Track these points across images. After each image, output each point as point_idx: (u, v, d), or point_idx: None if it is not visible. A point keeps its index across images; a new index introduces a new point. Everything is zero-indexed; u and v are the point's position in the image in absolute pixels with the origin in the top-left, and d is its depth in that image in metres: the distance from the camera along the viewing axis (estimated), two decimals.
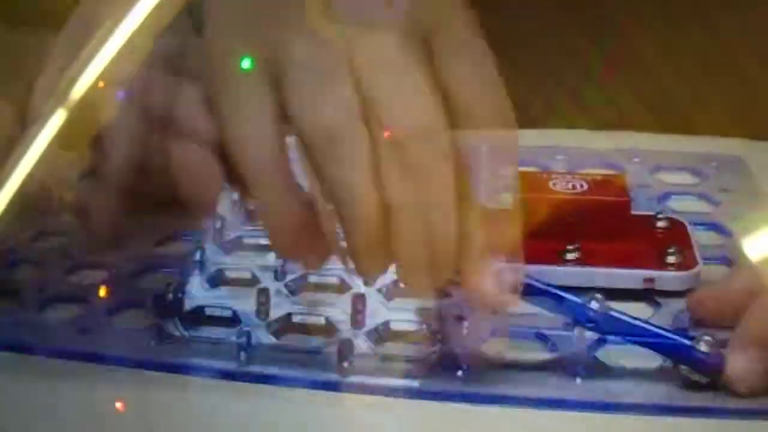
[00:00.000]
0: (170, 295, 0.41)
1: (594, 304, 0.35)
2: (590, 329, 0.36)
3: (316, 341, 0.39)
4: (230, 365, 0.38)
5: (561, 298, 0.36)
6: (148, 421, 0.36)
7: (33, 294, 0.44)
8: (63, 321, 0.42)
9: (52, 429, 0.36)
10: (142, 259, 0.46)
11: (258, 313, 0.40)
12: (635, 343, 0.36)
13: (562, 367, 0.36)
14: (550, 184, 0.44)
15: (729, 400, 0.35)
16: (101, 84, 0.42)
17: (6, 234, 0.47)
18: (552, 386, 0.36)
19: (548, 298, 0.36)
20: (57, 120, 0.45)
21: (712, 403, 0.35)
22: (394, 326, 0.39)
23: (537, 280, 0.36)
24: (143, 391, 0.38)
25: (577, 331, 0.36)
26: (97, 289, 0.44)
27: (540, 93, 0.61)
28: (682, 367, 0.35)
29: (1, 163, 0.40)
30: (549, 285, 0.36)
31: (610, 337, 0.37)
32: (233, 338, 0.38)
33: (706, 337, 0.35)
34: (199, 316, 0.41)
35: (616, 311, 0.36)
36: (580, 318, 0.36)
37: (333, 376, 0.37)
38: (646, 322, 0.36)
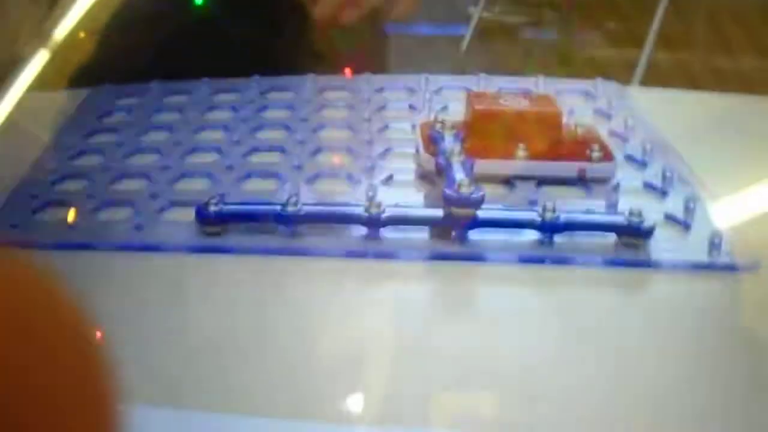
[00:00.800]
0: (212, 207, 0.47)
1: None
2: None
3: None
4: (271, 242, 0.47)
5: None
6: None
7: (86, 200, 0.50)
8: (118, 221, 0.49)
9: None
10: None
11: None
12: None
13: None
14: (501, 100, 0.54)
15: (658, 256, 0.45)
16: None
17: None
18: (530, 248, 0.47)
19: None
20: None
21: (649, 258, 0.45)
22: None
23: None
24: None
25: None
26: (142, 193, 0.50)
27: None
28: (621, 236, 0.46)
29: None
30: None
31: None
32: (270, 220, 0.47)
33: (635, 211, 0.46)
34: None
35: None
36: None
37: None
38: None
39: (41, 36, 0.50)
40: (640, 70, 1.97)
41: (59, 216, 0.49)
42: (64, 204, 0.50)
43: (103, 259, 0.46)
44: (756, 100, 0.64)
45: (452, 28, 2.77)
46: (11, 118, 0.51)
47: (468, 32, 2.57)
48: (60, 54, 0.54)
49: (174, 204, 0.50)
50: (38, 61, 0.51)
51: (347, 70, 0.68)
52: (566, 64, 2.03)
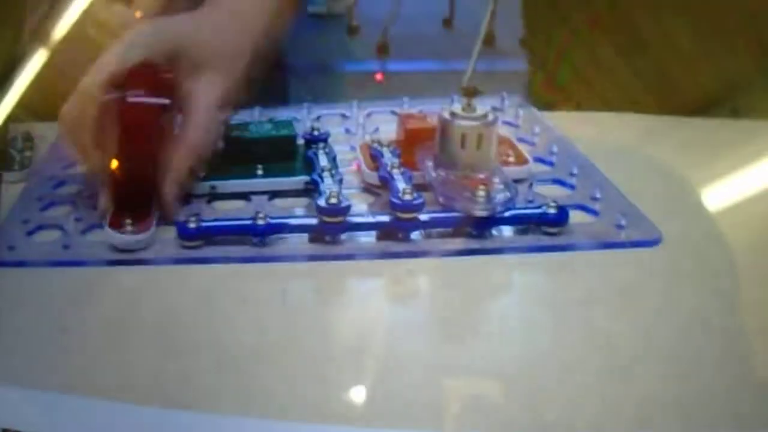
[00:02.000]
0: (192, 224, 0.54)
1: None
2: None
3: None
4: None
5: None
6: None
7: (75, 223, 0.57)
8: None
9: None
10: None
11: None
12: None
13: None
14: (428, 119, 0.62)
15: (576, 240, 0.54)
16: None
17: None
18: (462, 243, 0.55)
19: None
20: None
21: (566, 242, 0.54)
22: None
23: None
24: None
25: None
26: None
27: None
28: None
29: None
30: None
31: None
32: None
33: (551, 204, 0.55)
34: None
35: None
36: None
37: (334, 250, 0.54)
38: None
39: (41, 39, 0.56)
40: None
41: (51, 237, 0.56)
42: (55, 227, 0.57)
43: (96, 275, 0.53)
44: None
45: None
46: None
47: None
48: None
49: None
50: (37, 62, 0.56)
51: None
52: None
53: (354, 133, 0.68)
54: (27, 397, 0.45)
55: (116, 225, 0.54)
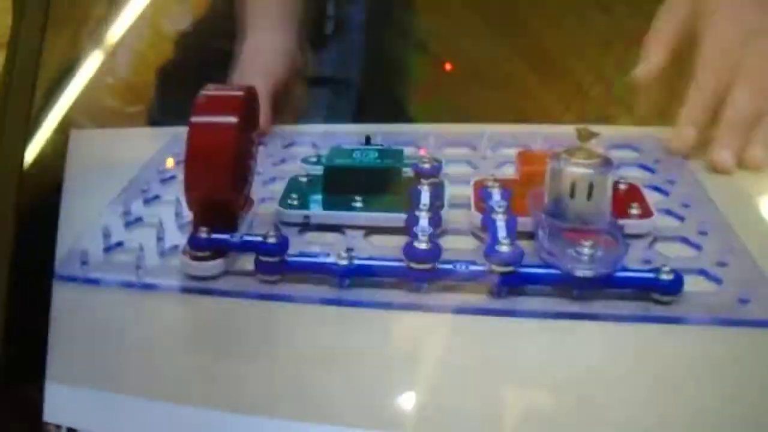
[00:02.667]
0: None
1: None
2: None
3: None
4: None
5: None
6: None
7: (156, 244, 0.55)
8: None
9: None
10: None
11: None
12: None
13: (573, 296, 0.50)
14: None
15: (690, 312, 0.48)
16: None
17: None
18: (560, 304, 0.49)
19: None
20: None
21: (676, 313, 0.48)
22: None
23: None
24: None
25: None
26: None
27: None
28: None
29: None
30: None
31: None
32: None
33: (665, 268, 0.48)
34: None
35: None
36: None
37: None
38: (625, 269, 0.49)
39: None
40: None
41: (127, 257, 0.54)
42: (134, 246, 0.55)
43: (168, 300, 0.52)
44: None
45: None
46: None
47: None
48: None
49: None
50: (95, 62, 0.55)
51: None
52: None
53: (476, 167, 0.63)
54: (92, 398, 0.46)
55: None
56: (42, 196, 0.54)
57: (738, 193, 0.59)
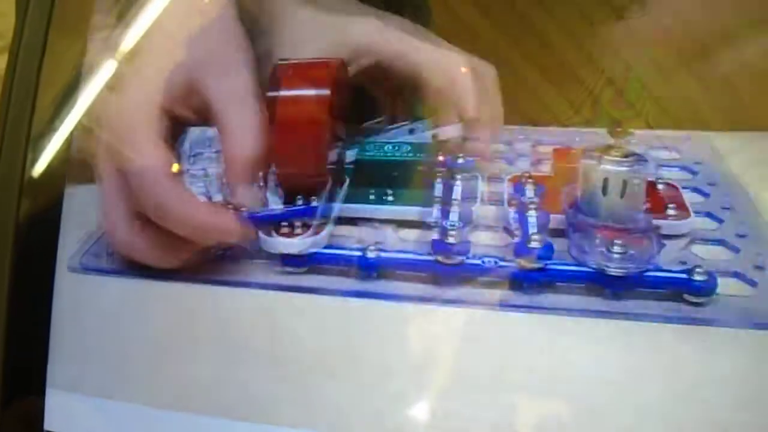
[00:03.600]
0: None
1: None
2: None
3: None
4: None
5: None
6: None
7: None
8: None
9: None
10: None
11: None
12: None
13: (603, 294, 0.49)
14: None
15: (722, 314, 0.47)
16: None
17: None
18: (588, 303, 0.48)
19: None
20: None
21: (707, 316, 0.47)
22: None
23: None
24: None
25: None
26: None
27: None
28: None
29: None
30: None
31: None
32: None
33: (699, 269, 0.47)
34: None
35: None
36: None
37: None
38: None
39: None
40: None
41: None
42: None
43: (196, 291, 0.51)
44: None
45: None
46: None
47: None
48: None
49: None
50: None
51: None
52: None
53: (512, 163, 0.62)
54: (92, 406, 0.46)
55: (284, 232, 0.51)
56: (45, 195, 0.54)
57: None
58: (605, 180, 0.49)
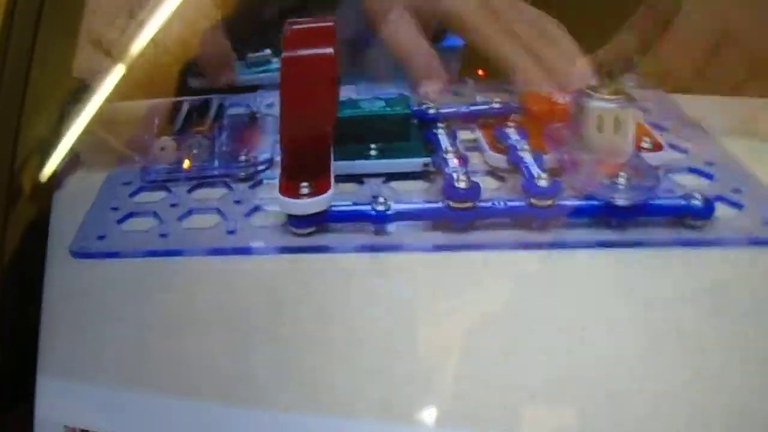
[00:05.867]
0: None
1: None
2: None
3: None
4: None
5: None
6: None
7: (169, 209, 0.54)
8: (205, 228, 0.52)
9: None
10: None
11: None
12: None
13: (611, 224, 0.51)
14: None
15: (722, 235, 0.49)
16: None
17: None
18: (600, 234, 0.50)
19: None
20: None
21: (711, 237, 0.49)
22: None
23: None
24: None
25: None
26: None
27: None
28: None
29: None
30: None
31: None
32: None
33: (696, 195, 0.50)
34: None
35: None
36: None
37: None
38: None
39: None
40: None
41: (144, 225, 0.53)
42: (147, 214, 0.53)
43: (195, 264, 0.50)
44: None
45: None
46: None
47: None
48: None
49: (257, 209, 0.53)
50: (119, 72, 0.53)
51: None
52: None
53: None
54: (91, 393, 0.45)
55: (291, 193, 0.50)
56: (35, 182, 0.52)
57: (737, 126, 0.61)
58: (599, 117, 0.51)
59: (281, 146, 0.51)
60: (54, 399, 0.46)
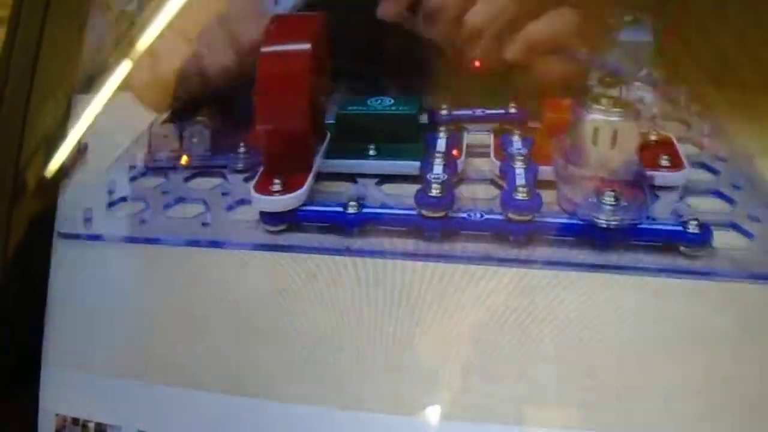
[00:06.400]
0: None
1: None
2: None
3: None
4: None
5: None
6: None
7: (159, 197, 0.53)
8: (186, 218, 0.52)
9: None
10: None
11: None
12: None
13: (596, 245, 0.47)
14: None
15: (718, 266, 0.45)
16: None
17: None
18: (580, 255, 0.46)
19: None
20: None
21: (703, 267, 0.45)
22: None
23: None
24: None
25: None
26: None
27: None
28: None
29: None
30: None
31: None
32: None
33: (693, 221, 0.46)
34: None
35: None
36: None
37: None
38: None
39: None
40: None
41: (132, 210, 0.52)
42: (137, 199, 0.53)
43: (172, 253, 0.49)
44: None
45: None
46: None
47: None
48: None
49: (243, 202, 0.52)
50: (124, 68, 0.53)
51: None
52: None
53: None
54: (85, 382, 0.45)
55: (263, 189, 0.49)
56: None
57: None
58: (595, 130, 0.47)
59: (258, 142, 0.49)
60: (57, 389, 0.47)
